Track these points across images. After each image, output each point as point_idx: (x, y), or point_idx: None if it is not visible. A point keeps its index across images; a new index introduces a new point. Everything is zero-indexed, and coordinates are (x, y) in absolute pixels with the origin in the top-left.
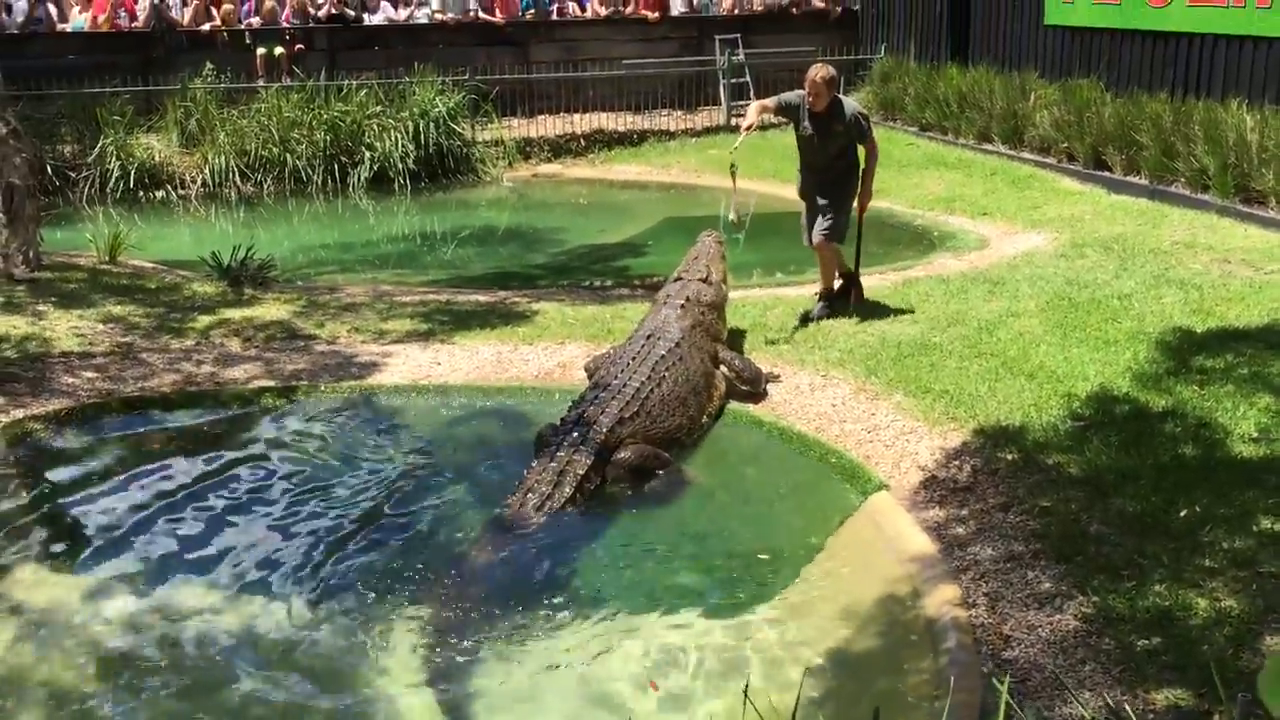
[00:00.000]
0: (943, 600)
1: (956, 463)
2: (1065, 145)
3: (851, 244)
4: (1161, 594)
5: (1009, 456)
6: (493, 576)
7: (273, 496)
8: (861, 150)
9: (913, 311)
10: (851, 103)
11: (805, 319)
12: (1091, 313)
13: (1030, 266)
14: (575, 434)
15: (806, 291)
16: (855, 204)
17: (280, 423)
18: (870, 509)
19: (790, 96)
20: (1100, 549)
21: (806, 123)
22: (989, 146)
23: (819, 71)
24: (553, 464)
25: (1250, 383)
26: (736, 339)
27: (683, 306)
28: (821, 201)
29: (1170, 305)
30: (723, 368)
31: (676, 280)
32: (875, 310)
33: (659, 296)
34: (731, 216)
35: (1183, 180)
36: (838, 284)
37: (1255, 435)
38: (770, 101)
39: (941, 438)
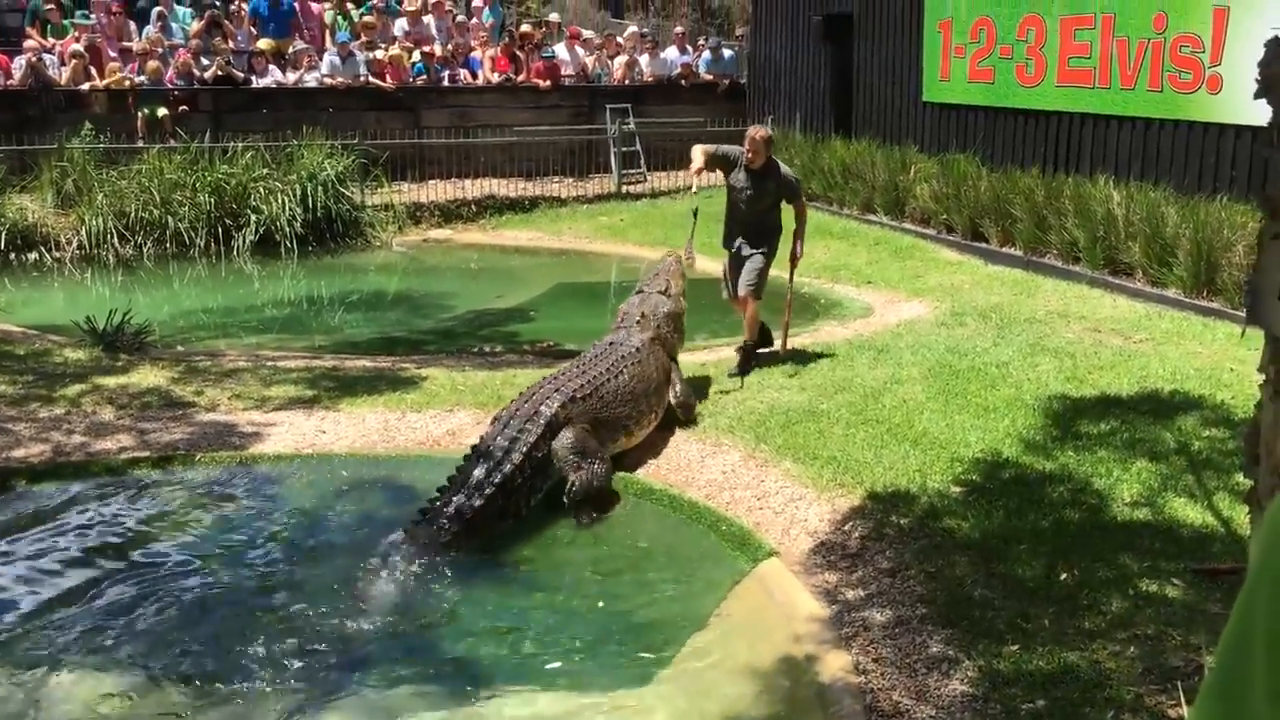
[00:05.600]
0: (834, 666)
1: (845, 528)
2: (944, 217)
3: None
4: (1045, 657)
5: (896, 522)
6: (361, 646)
7: (133, 572)
8: (790, 212)
9: (800, 378)
10: (786, 167)
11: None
12: (972, 380)
13: (913, 334)
14: (528, 407)
15: (698, 358)
16: (789, 262)
17: (153, 495)
18: (761, 576)
19: (730, 149)
20: (986, 613)
21: (742, 176)
22: (872, 217)
23: (759, 131)
24: (506, 430)
25: (1125, 448)
26: None
27: (639, 321)
28: (746, 253)
29: (1046, 373)
30: (672, 394)
31: (638, 293)
32: (764, 377)
33: (621, 308)
34: (688, 260)
35: (1055, 252)
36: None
37: (1130, 500)
38: (710, 148)
39: (830, 504)
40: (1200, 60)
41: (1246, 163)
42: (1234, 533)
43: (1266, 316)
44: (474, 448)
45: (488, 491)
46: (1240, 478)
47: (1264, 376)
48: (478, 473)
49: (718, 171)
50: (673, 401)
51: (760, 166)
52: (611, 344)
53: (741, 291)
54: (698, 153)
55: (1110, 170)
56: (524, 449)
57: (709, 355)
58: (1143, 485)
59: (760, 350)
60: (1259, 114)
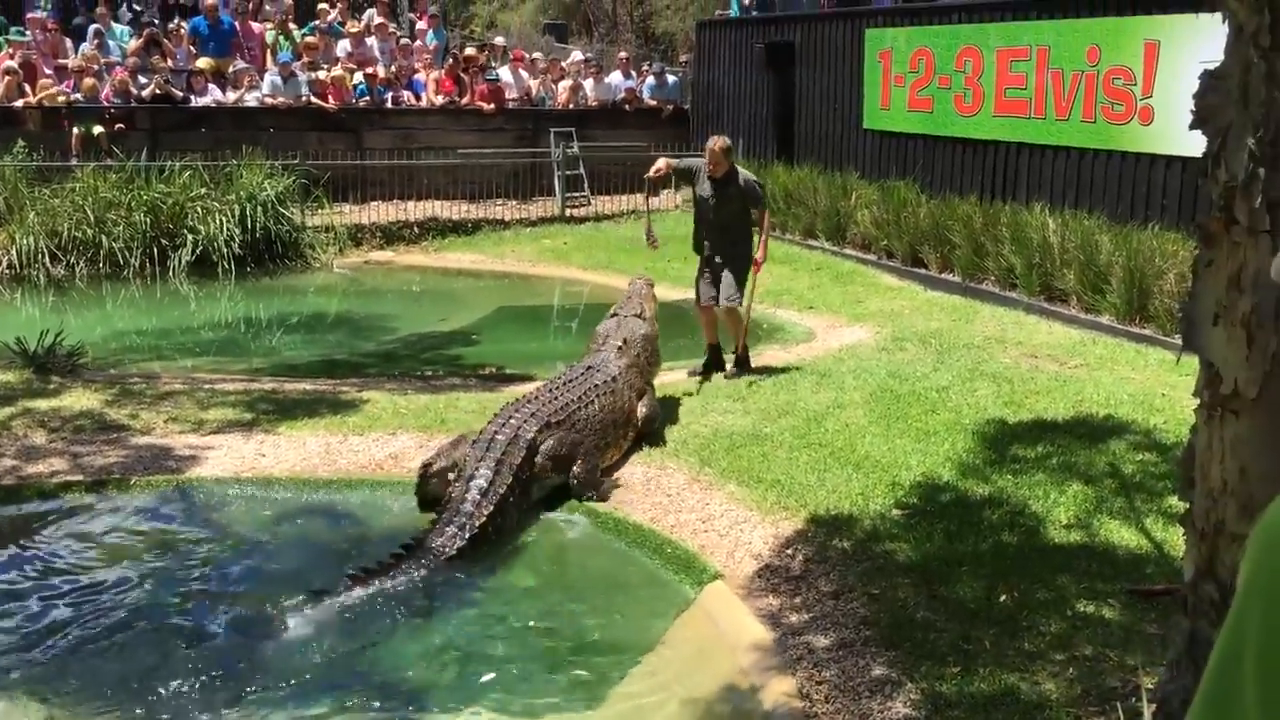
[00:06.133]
0: (778, 691)
1: (789, 551)
2: (885, 243)
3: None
4: (987, 678)
5: (840, 545)
6: (296, 671)
7: (65, 598)
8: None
9: (744, 402)
10: (747, 172)
11: (726, 376)
12: (912, 404)
13: (854, 359)
14: (508, 431)
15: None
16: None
17: (86, 520)
18: (706, 599)
19: (692, 161)
20: (928, 635)
21: (706, 185)
22: (814, 242)
23: (717, 142)
24: (490, 454)
25: (1061, 472)
26: None
27: (620, 347)
28: (718, 260)
29: (984, 398)
30: (640, 407)
31: (613, 316)
32: (708, 401)
33: (598, 331)
34: (651, 242)
35: (992, 278)
36: (728, 355)
37: (1067, 522)
38: (674, 160)
39: (774, 527)
40: (1132, 92)
41: (1177, 192)
42: (1167, 554)
43: (1201, 342)
44: (456, 469)
45: (488, 509)
46: (1173, 500)
47: (1199, 401)
48: (472, 494)
49: (685, 184)
50: (638, 414)
51: (722, 175)
52: (589, 369)
53: (725, 304)
54: (661, 161)
55: (1046, 199)
56: (511, 469)
57: (665, 376)
58: (1079, 508)
59: (713, 370)
60: (1189, 145)
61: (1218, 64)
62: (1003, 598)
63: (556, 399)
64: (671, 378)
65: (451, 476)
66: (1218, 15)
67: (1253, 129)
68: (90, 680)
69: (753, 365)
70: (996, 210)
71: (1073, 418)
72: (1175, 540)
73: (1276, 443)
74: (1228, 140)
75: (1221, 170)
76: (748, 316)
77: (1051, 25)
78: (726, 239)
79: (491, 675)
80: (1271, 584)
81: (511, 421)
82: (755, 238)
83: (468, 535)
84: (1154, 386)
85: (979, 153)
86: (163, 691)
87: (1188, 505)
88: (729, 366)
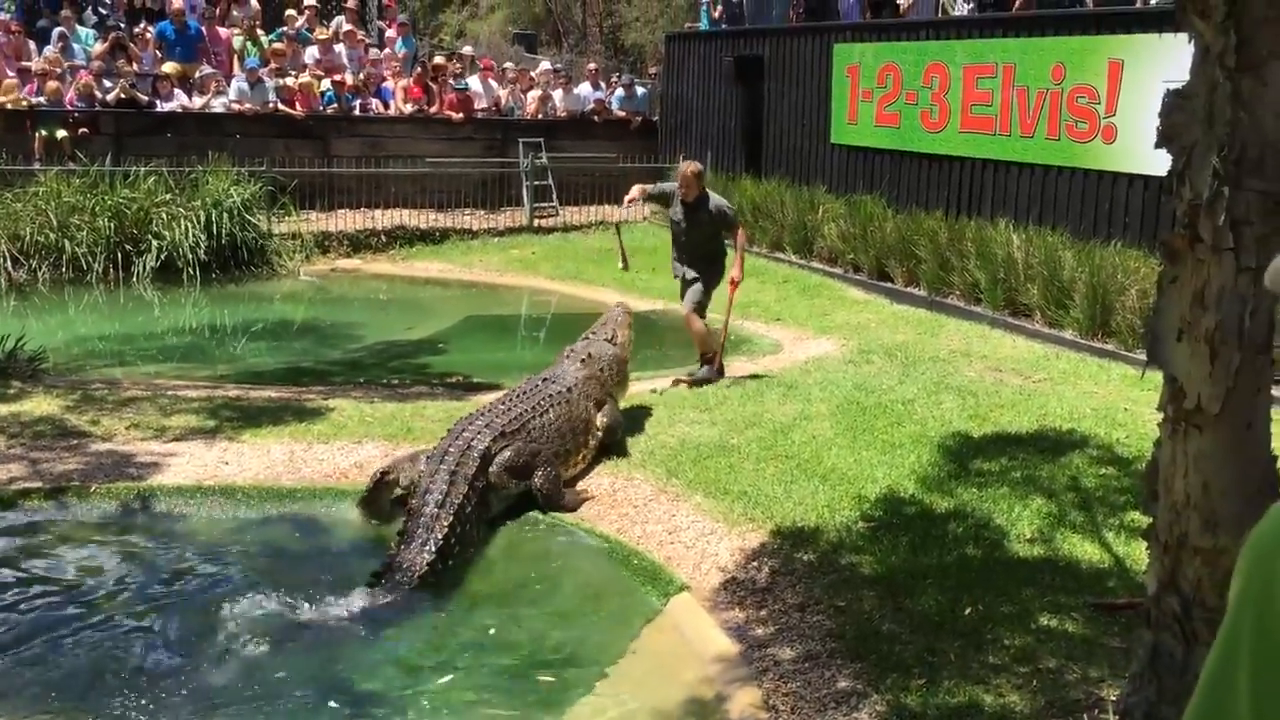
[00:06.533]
0: (744, 703)
1: (755, 563)
2: (851, 256)
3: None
4: (951, 691)
5: (805, 557)
6: (261, 681)
7: (18, 608)
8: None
9: (711, 413)
10: (719, 198)
11: (695, 382)
12: (878, 417)
13: (821, 371)
14: (460, 444)
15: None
16: (727, 291)
17: (43, 528)
18: (672, 611)
19: (666, 186)
20: (893, 647)
21: (679, 209)
22: (781, 255)
23: (690, 167)
24: (443, 466)
25: (1024, 485)
26: None
27: (584, 361)
28: (690, 276)
29: (949, 411)
30: (599, 417)
31: (584, 339)
32: (675, 412)
33: (564, 351)
34: (621, 265)
35: (958, 293)
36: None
37: (1030, 536)
38: (649, 187)
39: (741, 539)
40: (1096, 111)
41: (1139, 210)
42: (1128, 568)
43: (1165, 357)
44: (410, 489)
45: (447, 519)
46: (1134, 514)
47: (1163, 415)
48: (429, 507)
49: (659, 207)
50: (598, 423)
51: (694, 199)
52: (545, 379)
53: (685, 309)
54: (636, 189)
55: (1010, 214)
56: (466, 479)
57: (640, 385)
58: (1042, 521)
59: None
60: (1151, 164)
61: (1181, 84)
62: (967, 610)
63: (511, 409)
64: (641, 386)
65: (409, 494)
66: (1181, 36)
67: (1218, 148)
68: (38, 692)
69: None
70: (962, 225)
71: (1036, 431)
72: (1136, 554)
73: (1239, 457)
74: (1193, 159)
75: (1186, 188)
76: (725, 331)
77: (1017, 43)
78: (701, 260)
79: (454, 687)
80: (1263, 593)
81: (465, 434)
82: (731, 255)
83: (434, 549)
84: (1116, 401)
85: (945, 168)
86: (110, 703)
87: (1151, 519)
88: (696, 373)
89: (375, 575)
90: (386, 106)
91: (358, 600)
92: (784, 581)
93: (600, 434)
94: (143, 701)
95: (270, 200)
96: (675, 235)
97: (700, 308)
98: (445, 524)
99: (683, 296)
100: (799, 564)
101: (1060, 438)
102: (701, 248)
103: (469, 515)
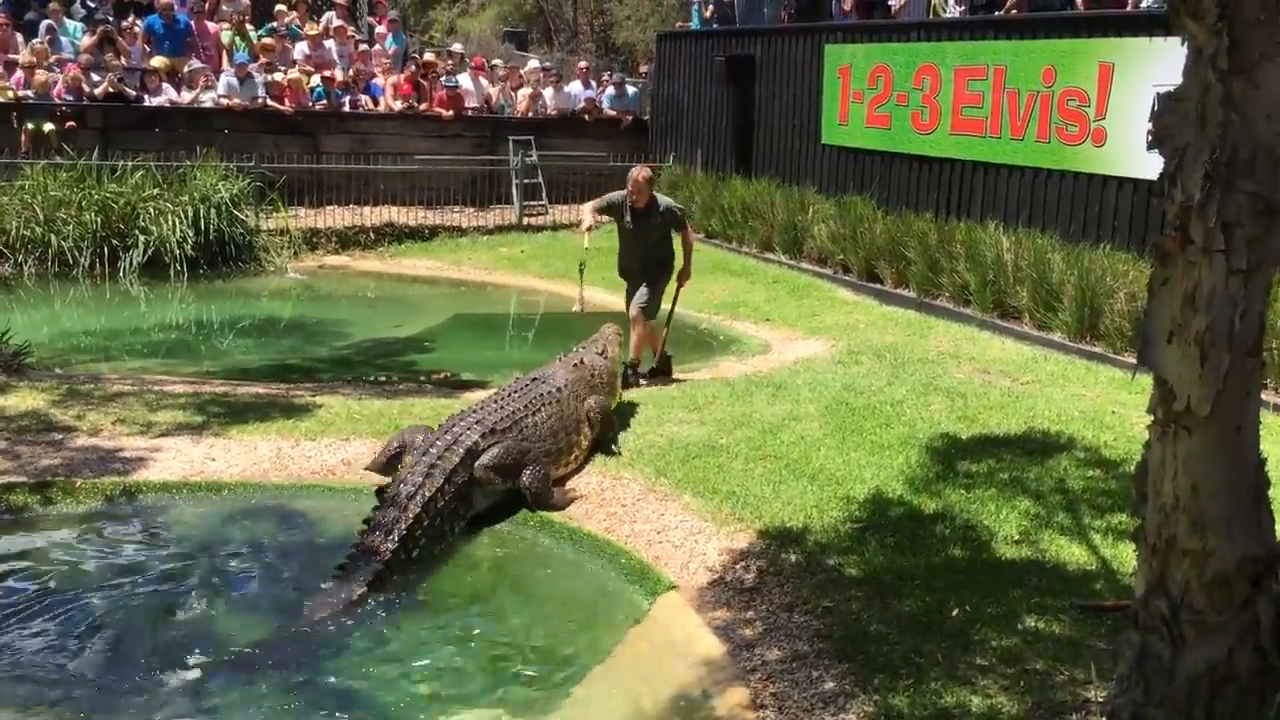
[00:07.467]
0: (731, 703)
1: (743, 563)
2: (841, 257)
3: (663, 326)
4: (938, 691)
5: (793, 557)
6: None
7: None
8: (678, 240)
9: (700, 413)
10: (666, 199)
11: (652, 375)
12: (867, 418)
13: (810, 372)
14: (448, 438)
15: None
16: (674, 286)
17: (28, 524)
18: (659, 610)
19: (613, 196)
20: (881, 648)
21: (628, 216)
22: (771, 255)
23: (640, 172)
24: (425, 458)
25: (1011, 487)
26: None
27: (575, 366)
28: (639, 279)
29: (938, 412)
30: (591, 411)
31: (577, 350)
32: (664, 411)
33: (557, 357)
34: (577, 308)
35: (947, 294)
36: (650, 367)
37: (1017, 537)
38: (598, 202)
39: (729, 538)
40: (1086, 114)
41: (1128, 213)
42: (1115, 570)
43: (1155, 359)
44: (394, 476)
45: (413, 512)
46: (1121, 517)
47: (1152, 417)
48: (400, 500)
49: (610, 219)
50: (589, 417)
51: (644, 204)
52: (535, 379)
53: (632, 311)
54: (587, 211)
55: (1000, 217)
56: (444, 473)
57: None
58: (1029, 523)
59: (658, 381)
60: (1141, 167)
61: (1171, 87)
62: (954, 611)
63: (502, 408)
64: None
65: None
66: (1171, 40)
67: (1209, 150)
68: (40, 686)
69: (673, 374)
70: (952, 227)
71: (1024, 433)
72: (1122, 556)
73: (1228, 459)
74: (1184, 161)
75: (1178, 190)
76: (668, 327)
77: (1009, 45)
78: (650, 263)
79: (441, 685)
80: None
81: (455, 429)
82: (679, 254)
83: (396, 539)
84: (1104, 404)
85: (935, 170)
86: (84, 700)
87: (1140, 521)
88: (642, 378)
89: (339, 567)
90: (376, 103)
91: (327, 592)
92: (772, 581)
93: (594, 427)
94: (115, 698)
95: (258, 196)
96: (624, 240)
97: (647, 311)
98: (411, 515)
99: (628, 300)
100: (787, 564)
101: (1048, 440)
102: (654, 251)
103: (441, 509)
